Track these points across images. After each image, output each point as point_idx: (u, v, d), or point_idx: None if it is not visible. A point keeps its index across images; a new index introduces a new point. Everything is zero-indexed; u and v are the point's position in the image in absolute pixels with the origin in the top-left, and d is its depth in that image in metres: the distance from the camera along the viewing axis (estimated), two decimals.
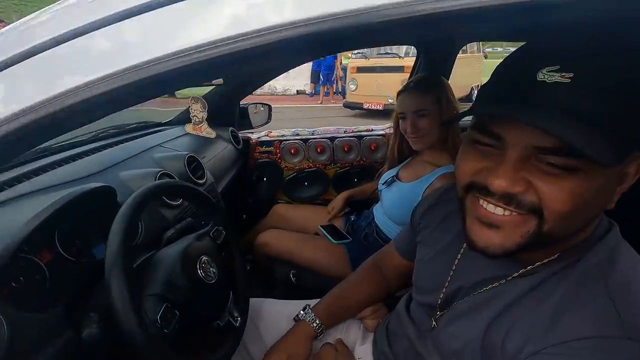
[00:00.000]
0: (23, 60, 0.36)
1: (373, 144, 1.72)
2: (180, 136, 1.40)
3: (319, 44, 0.39)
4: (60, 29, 0.36)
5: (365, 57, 6.98)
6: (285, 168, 1.77)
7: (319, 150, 1.74)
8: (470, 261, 0.55)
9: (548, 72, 0.37)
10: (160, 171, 0.93)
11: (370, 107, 6.80)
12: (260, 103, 1.84)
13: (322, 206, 1.57)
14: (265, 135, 1.80)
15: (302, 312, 0.76)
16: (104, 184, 0.69)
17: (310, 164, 1.76)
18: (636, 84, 0.36)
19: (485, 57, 8.74)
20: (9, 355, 0.45)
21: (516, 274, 0.48)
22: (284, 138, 1.76)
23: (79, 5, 0.38)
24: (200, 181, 1.12)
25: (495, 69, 0.44)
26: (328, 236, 1.30)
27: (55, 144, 1.02)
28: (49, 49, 0.36)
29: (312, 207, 1.61)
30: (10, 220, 0.58)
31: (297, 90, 10.36)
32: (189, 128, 1.47)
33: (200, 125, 1.46)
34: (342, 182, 1.76)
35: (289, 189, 1.80)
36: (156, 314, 0.53)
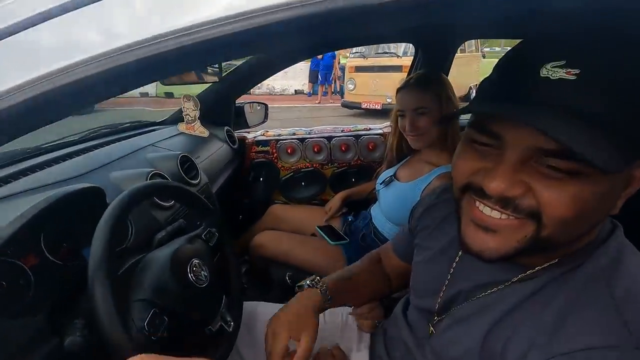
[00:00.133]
0: None
1: (371, 143, 1.70)
2: (174, 135, 1.38)
3: (315, 29, 0.37)
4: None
5: (364, 57, 6.99)
6: (282, 168, 1.75)
7: (316, 149, 1.72)
8: (468, 264, 0.53)
9: (552, 67, 0.34)
10: (151, 171, 0.91)
11: (368, 107, 6.82)
12: (257, 102, 1.82)
13: (319, 206, 1.57)
14: (261, 135, 1.78)
15: (307, 282, 0.71)
16: (91, 185, 0.67)
17: (307, 164, 1.74)
18: None
19: (484, 57, 8.73)
20: None
21: (516, 279, 0.46)
22: (281, 137, 1.74)
23: None
24: (194, 181, 1.10)
25: (497, 62, 0.42)
26: (325, 237, 1.29)
27: (46, 144, 1.00)
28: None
29: (309, 208, 1.60)
30: None
31: (295, 90, 10.37)
32: (181, 127, 1.45)
33: (193, 124, 1.44)
34: (340, 182, 1.74)
35: (286, 189, 1.78)
36: (143, 320, 0.51)
